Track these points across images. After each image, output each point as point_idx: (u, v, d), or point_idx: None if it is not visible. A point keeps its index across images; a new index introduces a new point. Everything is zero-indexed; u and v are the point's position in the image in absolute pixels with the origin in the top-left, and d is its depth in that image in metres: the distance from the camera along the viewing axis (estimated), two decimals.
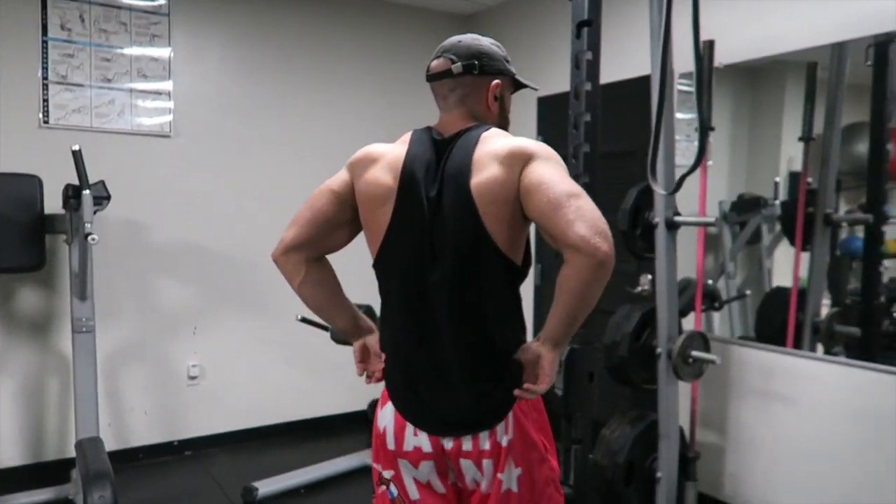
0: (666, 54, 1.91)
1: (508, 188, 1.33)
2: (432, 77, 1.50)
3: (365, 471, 3.51)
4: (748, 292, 3.35)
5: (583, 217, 1.23)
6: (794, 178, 3.10)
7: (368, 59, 4.24)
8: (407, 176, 1.40)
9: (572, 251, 1.23)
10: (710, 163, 3.35)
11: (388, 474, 1.50)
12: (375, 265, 1.50)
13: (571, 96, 2.31)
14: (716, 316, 3.35)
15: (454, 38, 1.50)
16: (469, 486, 1.46)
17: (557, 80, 2.94)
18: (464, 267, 1.37)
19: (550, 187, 1.28)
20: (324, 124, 4.11)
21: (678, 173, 2.84)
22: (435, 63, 1.49)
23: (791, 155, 3.11)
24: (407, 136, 1.49)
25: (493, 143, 1.37)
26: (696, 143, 3.24)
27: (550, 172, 1.31)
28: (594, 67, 2.28)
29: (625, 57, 3.30)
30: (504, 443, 1.41)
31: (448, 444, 1.43)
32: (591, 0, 2.25)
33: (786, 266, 3.14)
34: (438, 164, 1.41)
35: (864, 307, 2.93)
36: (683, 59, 2.28)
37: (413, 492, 1.49)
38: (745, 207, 3.30)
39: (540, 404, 1.49)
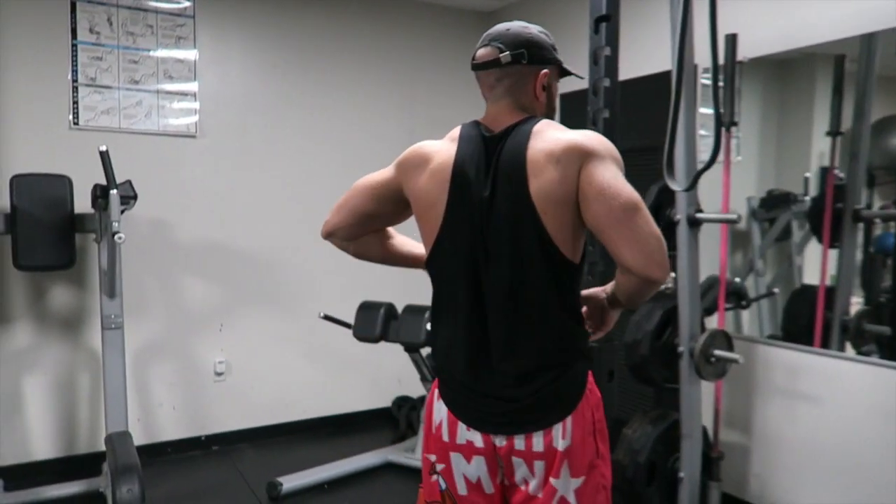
0: (683, 49, 1.88)
1: (567, 189, 1.31)
2: (478, 66, 1.45)
3: (388, 468, 3.54)
4: (776, 290, 3.29)
5: (639, 240, 1.27)
6: (824, 173, 3.03)
7: (391, 56, 4.26)
8: (458, 177, 1.40)
9: (625, 270, 1.32)
10: (738, 158, 3.30)
11: (440, 466, 1.49)
12: (428, 265, 1.51)
13: (590, 92, 2.30)
14: (745, 314, 3.30)
15: (502, 26, 1.45)
16: (517, 482, 1.43)
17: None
18: (522, 267, 1.36)
19: (609, 198, 1.28)
20: (347, 122, 4.14)
21: (711, 169, 2.82)
22: (481, 52, 1.44)
23: (822, 150, 3.04)
24: (456, 133, 1.47)
25: (547, 139, 1.34)
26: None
27: (609, 178, 1.30)
28: (613, 63, 2.26)
29: (647, 52, 3.27)
30: (560, 447, 1.37)
31: (500, 441, 1.41)
32: None
33: (817, 263, 3.07)
34: (489, 162, 1.39)
35: (894, 305, 2.86)
36: (707, 54, 2.25)
37: (462, 488, 1.47)
38: (774, 203, 3.23)
39: (601, 409, 1.45)
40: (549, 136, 1.35)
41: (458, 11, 4.44)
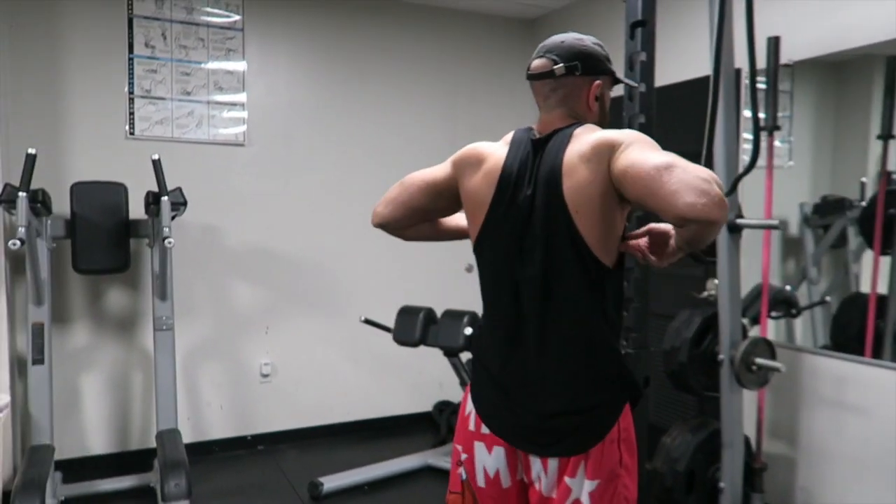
0: (719, 52, 1.87)
1: (599, 184, 1.32)
2: (533, 76, 1.48)
3: (427, 471, 3.57)
4: (828, 298, 3.19)
5: (684, 183, 1.13)
6: (888, 178, 2.93)
7: (433, 65, 4.32)
8: (504, 179, 1.45)
9: (688, 222, 1.15)
10: (790, 164, 3.23)
11: (463, 457, 1.54)
12: (475, 256, 1.56)
13: (625, 97, 2.29)
14: (797, 324, 3.21)
15: (557, 38, 1.47)
16: (533, 479, 1.45)
17: None
18: (554, 268, 1.39)
19: (640, 168, 1.21)
20: (390, 131, 4.21)
21: (755, 174, 2.76)
22: (536, 63, 1.47)
23: (879, 154, 2.94)
24: (509, 136, 1.52)
25: (581, 141, 1.37)
26: (778, 143, 3.15)
27: (636, 153, 1.25)
28: (648, 68, 2.25)
29: (688, 58, 3.23)
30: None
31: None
32: (644, 0, 2.22)
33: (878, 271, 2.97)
34: (534, 163, 1.43)
35: None
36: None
37: (480, 479, 1.51)
38: (828, 210, 3.14)
39: (628, 418, 1.45)
40: (584, 138, 1.37)
41: (500, 19, 4.47)
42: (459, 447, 1.55)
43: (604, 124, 1.49)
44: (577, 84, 1.45)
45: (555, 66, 1.43)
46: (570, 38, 1.46)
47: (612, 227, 1.36)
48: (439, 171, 1.60)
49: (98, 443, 3.58)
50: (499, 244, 1.46)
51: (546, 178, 1.38)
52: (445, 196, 1.60)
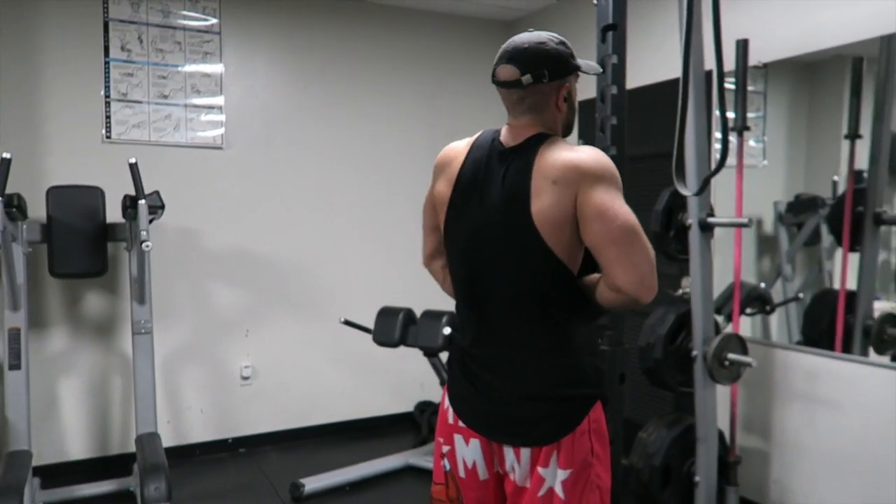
0: (688, 54, 1.91)
1: (565, 210, 1.37)
2: (500, 84, 1.48)
3: (409, 471, 3.59)
4: (801, 295, 3.26)
5: (634, 264, 1.33)
6: (857, 176, 3.00)
7: (412, 68, 4.34)
8: (459, 182, 1.50)
9: (615, 289, 1.36)
10: (764, 163, 3.29)
11: (445, 448, 1.57)
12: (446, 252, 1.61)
13: (598, 100, 2.33)
14: (773, 320, 3.28)
15: (519, 41, 1.46)
16: (507, 471, 1.49)
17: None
18: (522, 275, 1.43)
19: (608, 220, 1.34)
20: (368, 133, 4.22)
21: (728, 173, 2.81)
22: (502, 70, 1.46)
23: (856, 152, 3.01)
24: (474, 138, 1.55)
25: (550, 160, 1.39)
26: (752, 143, 3.20)
27: (606, 200, 1.35)
28: (620, 71, 2.29)
29: (659, 60, 3.29)
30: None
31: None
32: (615, 4, 2.26)
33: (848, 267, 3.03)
34: (499, 173, 1.45)
35: None
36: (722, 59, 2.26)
37: (461, 470, 1.55)
38: (802, 208, 3.21)
39: (598, 410, 1.49)
40: (552, 156, 1.40)
41: (477, 21, 4.50)
42: (441, 440, 1.59)
43: (572, 118, 1.54)
44: (545, 91, 1.46)
45: (522, 77, 1.42)
46: (533, 41, 1.45)
47: (578, 243, 1.41)
48: (431, 184, 1.64)
49: (77, 448, 3.56)
50: (460, 243, 1.52)
51: (513, 192, 1.41)
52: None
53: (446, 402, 1.58)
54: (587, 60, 1.55)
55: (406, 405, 4.36)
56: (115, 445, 3.63)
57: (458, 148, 1.56)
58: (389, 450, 3.76)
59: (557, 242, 1.39)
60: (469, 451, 1.52)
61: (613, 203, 1.35)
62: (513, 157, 1.45)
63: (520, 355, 1.46)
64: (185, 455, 3.74)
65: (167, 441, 3.42)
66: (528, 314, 1.45)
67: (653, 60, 3.36)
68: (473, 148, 1.51)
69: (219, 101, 3.79)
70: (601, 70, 1.59)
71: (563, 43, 1.48)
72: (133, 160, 2.99)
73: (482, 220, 1.46)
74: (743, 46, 2.70)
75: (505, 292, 1.46)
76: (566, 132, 1.54)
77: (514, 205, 1.40)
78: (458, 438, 1.54)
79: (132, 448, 3.32)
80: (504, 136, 1.50)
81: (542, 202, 1.37)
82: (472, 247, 1.49)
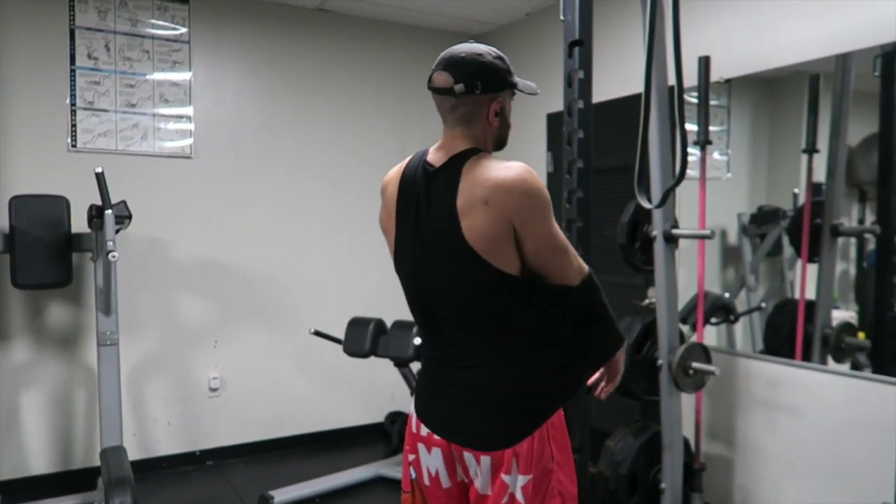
0: (650, 70, 1.97)
1: (497, 222, 1.38)
2: (434, 90, 1.51)
3: (379, 482, 3.58)
4: (763, 305, 3.34)
5: (565, 269, 1.45)
6: (816, 188, 3.08)
7: (381, 79, 4.36)
8: (400, 213, 1.52)
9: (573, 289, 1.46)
10: (728, 175, 3.37)
11: (411, 457, 1.59)
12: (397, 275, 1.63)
13: (565, 113, 2.37)
14: (738, 330, 3.34)
15: (457, 52, 1.48)
16: (472, 478, 1.50)
17: None
18: (464, 290, 1.44)
19: (542, 241, 1.41)
20: (339, 143, 4.23)
21: (691, 186, 2.87)
22: (438, 77, 1.48)
23: (814, 166, 3.09)
24: (405, 163, 1.57)
25: (478, 177, 1.40)
26: (717, 156, 3.28)
27: (545, 231, 1.41)
28: (586, 85, 2.34)
29: (624, 75, 3.36)
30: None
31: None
32: (581, 21, 2.31)
33: (808, 277, 3.11)
34: (427, 196, 1.46)
35: (875, 319, 2.91)
36: (687, 75, 2.32)
37: (426, 478, 1.56)
38: (764, 219, 3.28)
39: (559, 416, 1.51)
40: (480, 174, 1.40)
41: (447, 34, 4.54)
42: (408, 447, 1.61)
43: (505, 135, 1.55)
44: (478, 102, 1.46)
45: (455, 85, 1.44)
46: (470, 52, 1.47)
47: (513, 248, 1.41)
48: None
49: (39, 462, 3.48)
50: (406, 266, 1.54)
51: (442, 213, 1.42)
52: None
53: (412, 410, 1.60)
54: (526, 80, 1.56)
55: (376, 416, 4.35)
56: (78, 459, 3.56)
57: (392, 175, 1.58)
58: (360, 461, 3.75)
59: (493, 255, 1.39)
60: (431, 459, 1.54)
61: (550, 231, 1.42)
62: (439, 177, 1.45)
63: (472, 364, 1.48)
64: (151, 468, 3.69)
65: (133, 454, 3.36)
66: (474, 326, 1.47)
67: (619, 75, 3.42)
68: (405, 173, 1.53)
69: (187, 110, 3.77)
70: (538, 91, 1.62)
71: (500, 58, 1.50)
72: (99, 169, 2.95)
73: (420, 242, 1.48)
74: (705, 63, 2.78)
75: (451, 308, 1.48)
76: (497, 147, 1.55)
77: (445, 224, 1.41)
78: (421, 447, 1.56)
79: (97, 462, 3.26)
80: (432, 155, 1.51)
81: (475, 220, 1.38)
82: (416, 268, 1.51)
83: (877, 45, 2.54)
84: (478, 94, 1.45)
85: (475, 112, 1.48)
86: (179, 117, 3.75)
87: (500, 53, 1.51)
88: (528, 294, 1.45)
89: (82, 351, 3.56)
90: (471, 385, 1.48)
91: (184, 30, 3.74)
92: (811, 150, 2.95)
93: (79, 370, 3.56)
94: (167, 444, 3.79)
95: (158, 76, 3.68)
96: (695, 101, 2.92)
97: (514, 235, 1.39)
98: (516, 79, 1.52)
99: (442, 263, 1.45)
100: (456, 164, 1.44)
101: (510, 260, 1.41)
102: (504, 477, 1.44)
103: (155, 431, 3.76)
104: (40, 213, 3.15)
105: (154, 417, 3.76)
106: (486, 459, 1.46)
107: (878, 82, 2.65)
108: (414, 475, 1.58)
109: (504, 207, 1.37)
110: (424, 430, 1.55)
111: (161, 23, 3.68)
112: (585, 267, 1.51)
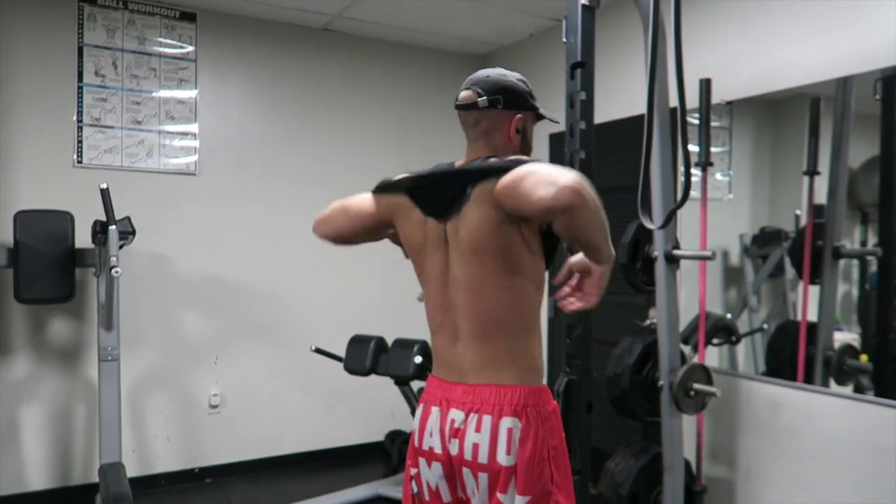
0: (652, 92, 1.98)
1: (491, 222, 1.45)
2: (459, 107, 1.59)
3: (379, 501, 3.56)
4: (766, 326, 3.33)
5: (533, 183, 1.33)
6: (817, 210, 3.09)
7: (385, 98, 4.40)
8: (429, 224, 1.56)
9: (551, 214, 1.35)
10: (729, 196, 3.38)
11: (413, 471, 1.60)
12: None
13: (567, 134, 2.39)
14: (740, 351, 3.33)
15: (483, 72, 1.59)
16: (469, 496, 1.52)
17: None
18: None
19: (505, 184, 1.39)
20: (342, 162, 4.25)
21: (694, 207, 2.89)
22: (463, 94, 1.58)
23: (816, 187, 3.10)
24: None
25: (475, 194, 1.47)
26: (719, 177, 3.29)
27: (507, 176, 1.39)
28: (588, 107, 2.36)
29: (626, 97, 3.38)
30: (503, 461, 1.44)
31: (453, 449, 1.50)
32: (584, 43, 2.33)
33: (810, 299, 3.11)
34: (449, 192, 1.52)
35: (877, 341, 2.90)
36: (688, 96, 2.34)
37: (426, 493, 1.57)
38: (766, 240, 3.28)
39: (558, 438, 1.52)
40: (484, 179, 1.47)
41: (452, 55, 4.58)
42: (410, 462, 1.62)
43: (527, 154, 1.61)
44: (500, 117, 1.55)
45: (479, 99, 1.54)
46: (495, 73, 1.58)
47: (521, 239, 1.48)
48: (368, 205, 1.73)
49: (38, 478, 3.46)
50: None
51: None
52: (377, 229, 1.74)
53: (415, 424, 1.61)
54: (553, 114, 1.65)
55: (377, 434, 4.33)
56: (77, 476, 3.55)
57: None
58: (359, 480, 3.73)
59: (501, 247, 1.47)
60: (432, 473, 1.55)
61: (511, 175, 1.40)
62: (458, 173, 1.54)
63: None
64: (150, 485, 3.67)
65: (132, 471, 3.35)
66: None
67: (620, 97, 3.45)
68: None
69: (193, 127, 3.80)
70: (559, 121, 1.71)
71: (523, 81, 1.60)
72: (104, 185, 2.97)
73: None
74: (706, 85, 2.80)
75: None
76: None
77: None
78: (422, 462, 1.56)
79: (95, 478, 3.25)
80: (462, 163, 1.58)
81: (475, 222, 1.47)
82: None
83: (877, 69, 2.55)
84: (500, 108, 1.54)
85: (497, 126, 1.56)
86: (184, 134, 3.78)
87: (524, 78, 1.60)
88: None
89: (83, 366, 3.55)
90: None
91: (190, 48, 3.78)
92: (812, 171, 2.96)
93: (79, 385, 3.55)
94: (166, 460, 3.77)
95: (164, 94, 3.72)
96: (696, 122, 2.94)
97: (504, 217, 1.44)
98: (543, 110, 1.61)
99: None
100: (474, 163, 1.52)
101: (522, 247, 1.49)
102: (500, 496, 1.44)
103: (154, 448, 3.75)
104: (45, 228, 3.17)
105: (154, 434, 3.75)
106: (483, 477, 1.46)
107: (879, 105, 2.66)
108: (416, 489, 1.59)
109: (486, 196, 1.45)
110: (426, 445, 1.55)
111: (168, 41, 3.72)
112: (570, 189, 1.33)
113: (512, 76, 1.58)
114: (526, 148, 1.61)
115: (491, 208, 1.43)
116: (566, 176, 1.31)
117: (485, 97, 1.53)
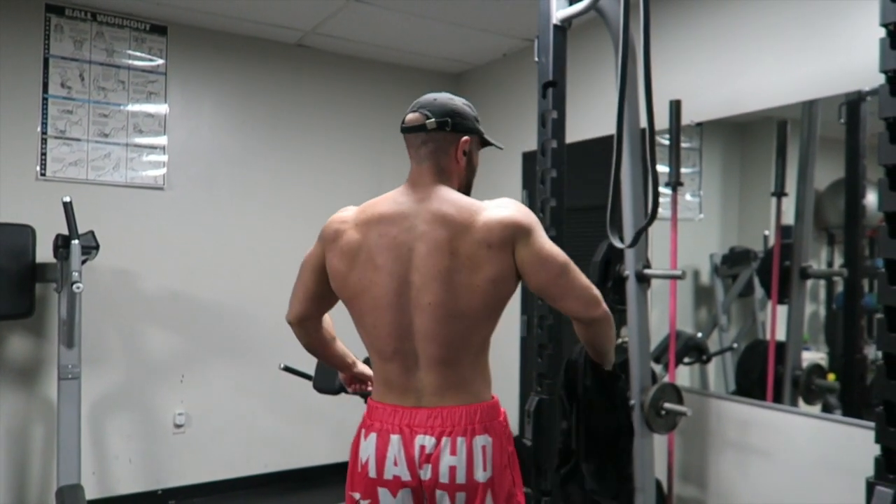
0: (622, 112, 1.99)
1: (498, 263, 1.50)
2: (407, 129, 1.60)
3: None
4: (735, 345, 3.35)
5: (581, 294, 1.51)
6: (785, 231, 3.13)
7: (357, 115, 4.38)
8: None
9: (582, 322, 1.55)
10: (700, 216, 3.41)
11: (364, 502, 1.54)
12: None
13: (538, 153, 2.39)
14: (710, 370, 3.35)
15: (430, 96, 1.61)
16: None
17: None
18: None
19: (540, 266, 1.50)
20: (313, 178, 4.22)
21: (663, 227, 2.91)
22: (410, 116, 1.59)
23: (783, 208, 3.14)
24: (382, 201, 1.61)
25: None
26: (689, 197, 3.32)
27: (540, 249, 1.49)
28: (560, 125, 2.36)
29: (597, 117, 3.41)
30: (481, 478, 1.48)
31: (425, 474, 1.48)
32: (555, 62, 2.34)
33: (779, 318, 3.14)
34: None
35: (844, 361, 2.93)
36: (659, 117, 2.37)
37: None
38: (736, 260, 3.32)
39: (512, 442, 1.57)
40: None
41: (426, 73, 4.59)
42: (357, 495, 1.56)
43: (471, 179, 1.66)
44: (447, 139, 1.57)
45: (427, 121, 1.56)
46: (442, 96, 1.60)
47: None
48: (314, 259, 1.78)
49: None
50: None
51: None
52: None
53: (363, 456, 1.55)
54: (496, 140, 1.72)
55: (347, 454, 4.23)
56: (33, 498, 3.42)
57: (347, 218, 1.64)
58: (330, 500, 3.65)
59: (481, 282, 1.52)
60: (396, 501, 1.51)
61: (545, 250, 1.53)
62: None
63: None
64: None
65: (91, 493, 3.25)
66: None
67: (592, 116, 3.48)
68: (384, 212, 1.58)
69: (162, 140, 3.74)
70: (502, 147, 1.78)
71: (469, 106, 1.63)
72: (67, 198, 2.91)
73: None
74: (676, 106, 2.83)
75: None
76: (464, 191, 1.63)
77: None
78: (382, 492, 1.51)
79: (52, 501, 3.14)
80: (408, 186, 1.59)
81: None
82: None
83: (842, 93, 2.60)
84: (448, 130, 1.56)
85: (444, 148, 1.58)
86: (153, 148, 3.72)
87: (469, 103, 1.64)
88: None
89: (42, 384, 3.45)
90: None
91: (161, 61, 3.73)
92: (780, 193, 3.01)
93: (37, 404, 3.44)
94: (128, 482, 3.66)
95: (133, 107, 3.66)
96: (666, 143, 2.97)
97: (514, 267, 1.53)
98: (486, 136, 1.66)
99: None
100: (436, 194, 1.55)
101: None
102: None
103: (115, 469, 3.64)
104: (4, 241, 3.09)
105: (115, 455, 3.64)
106: (460, 496, 1.47)
107: (844, 129, 2.71)
108: None
109: (505, 244, 1.52)
110: (389, 474, 1.51)
111: (138, 53, 3.67)
112: (598, 306, 1.57)
113: (458, 100, 1.61)
114: (470, 171, 1.65)
115: (499, 254, 1.49)
116: (598, 294, 1.53)
117: (433, 119, 1.55)
